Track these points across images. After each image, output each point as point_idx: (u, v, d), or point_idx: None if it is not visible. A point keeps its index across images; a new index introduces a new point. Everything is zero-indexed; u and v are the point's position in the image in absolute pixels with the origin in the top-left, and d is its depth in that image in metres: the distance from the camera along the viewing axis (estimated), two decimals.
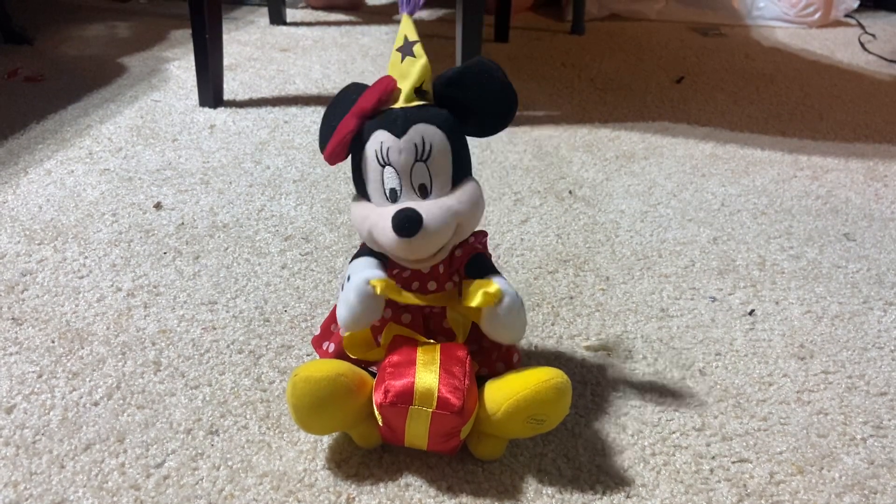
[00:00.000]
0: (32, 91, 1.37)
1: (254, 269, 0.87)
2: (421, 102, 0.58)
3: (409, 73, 0.58)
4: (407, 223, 0.55)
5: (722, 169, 1.19)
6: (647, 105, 1.46)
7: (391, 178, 0.57)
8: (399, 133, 0.57)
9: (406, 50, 0.59)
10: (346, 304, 0.58)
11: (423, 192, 0.57)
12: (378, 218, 0.57)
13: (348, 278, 0.58)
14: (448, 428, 0.56)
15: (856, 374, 0.74)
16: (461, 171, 0.59)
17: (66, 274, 0.84)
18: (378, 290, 0.56)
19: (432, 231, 0.55)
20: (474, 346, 0.62)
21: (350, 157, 0.60)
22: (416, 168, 0.57)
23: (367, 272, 0.58)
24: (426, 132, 0.57)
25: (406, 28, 0.59)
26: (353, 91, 0.61)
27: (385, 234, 0.56)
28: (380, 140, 0.57)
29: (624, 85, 1.57)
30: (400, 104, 0.58)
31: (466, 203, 0.58)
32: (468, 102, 0.59)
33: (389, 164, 0.57)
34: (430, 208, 0.56)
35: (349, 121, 0.58)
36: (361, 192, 0.60)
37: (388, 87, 0.58)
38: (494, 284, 0.58)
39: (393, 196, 0.58)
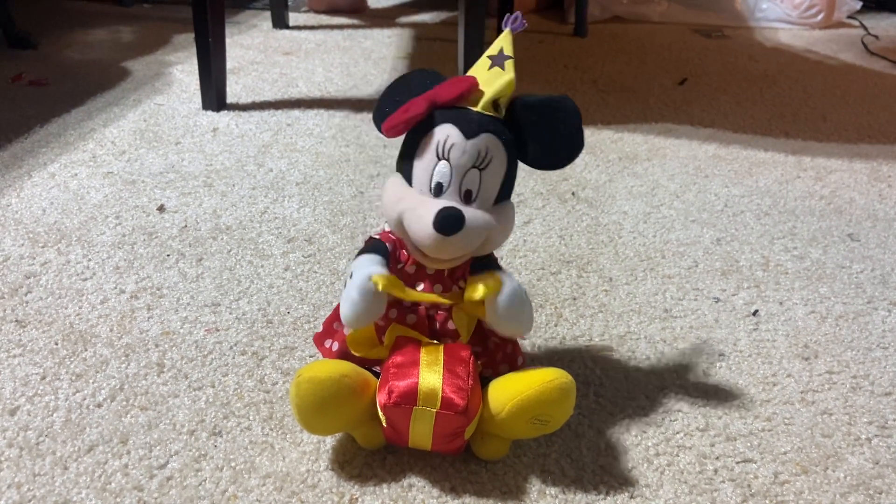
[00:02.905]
0: (36, 95, 1.38)
1: (257, 272, 0.87)
2: (493, 114, 0.58)
3: (494, 82, 0.58)
4: (451, 222, 0.54)
5: (725, 170, 1.19)
6: (650, 107, 1.46)
7: (442, 174, 0.57)
8: (469, 135, 0.56)
9: (498, 61, 0.58)
10: (348, 300, 0.57)
11: (467, 198, 0.57)
12: (417, 205, 0.56)
13: (351, 275, 0.58)
14: (452, 428, 0.56)
15: (860, 375, 0.74)
16: (505, 192, 0.59)
17: (70, 276, 0.84)
18: (380, 287, 0.56)
19: (468, 236, 0.55)
20: (478, 347, 0.62)
21: (406, 135, 0.60)
22: (470, 173, 0.57)
23: (370, 269, 0.57)
24: (491, 144, 0.57)
25: (504, 42, 0.59)
26: (427, 76, 0.61)
27: (421, 224, 0.55)
28: (447, 133, 0.57)
29: (627, 87, 1.57)
30: (477, 108, 0.58)
31: (502, 221, 0.58)
32: (536, 132, 0.59)
33: (447, 160, 0.57)
34: (471, 215, 0.56)
35: (420, 103, 0.58)
36: (405, 174, 0.59)
37: (472, 87, 0.58)
38: (495, 275, 0.58)
39: (437, 191, 0.57)
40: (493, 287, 0.57)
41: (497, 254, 0.63)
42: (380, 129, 0.60)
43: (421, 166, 0.58)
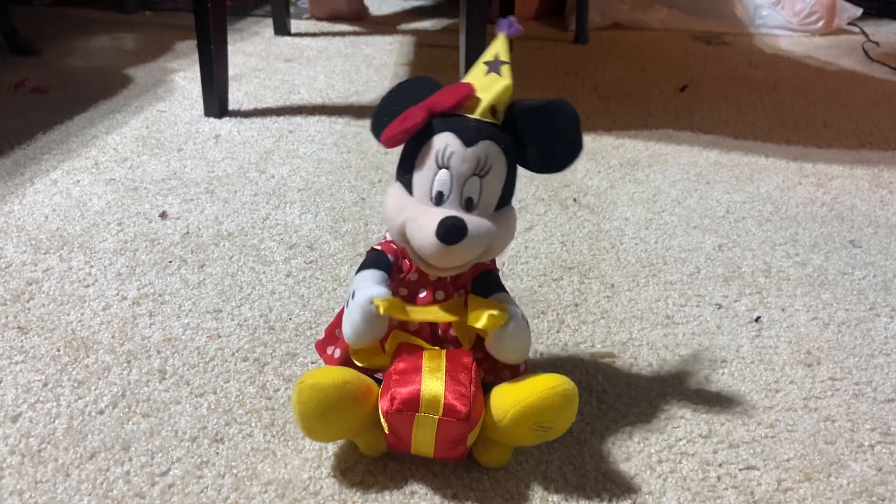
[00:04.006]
0: (39, 102, 1.38)
1: (259, 278, 0.87)
2: (491, 120, 0.58)
3: (491, 88, 0.57)
4: (453, 231, 0.54)
5: (726, 176, 1.19)
6: (651, 113, 1.46)
7: (443, 182, 0.57)
8: (469, 142, 0.56)
9: (494, 67, 0.58)
10: (350, 322, 0.58)
11: (468, 206, 0.57)
12: (418, 215, 0.56)
13: (353, 294, 0.58)
14: (454, 435, 0.56)
15: (863, 381, 0.74)
16: (506, 198, 0.59)
17: (72, 283, 0.84)
18: (381, 311, 0.56)
19: (470, 244, 0.55)
20: (480, 353, 0.62)
21: (404, 145, 0.60)
22: (471, 181, 0.57)
23: (372, 290, 0.57)
24: (491, 151, 0.57)
25: (500, 47, 0.59)
26: (425, 84, 0.60)
27: (423, 234, 0.55)
28: (446, 142, 0.56)
29: (627, 93, 1.58)
30: (475, 115, 0.58)
31: (504, 228, 0.58)
32: (535, 136, 0.59)
33: (447, 168, 0.56)
34: (473, 223, 0.56)
35: (418, 112, 0.57)
36: (405, 183, 0.59)
37: (469, 94, 0.58)
38: (500, 307, 0.58)
39: (438, 199, 0.57)
40: (497, 319, 0.57)
41: (499, 260, 0.63)
42: (378, 140, 0.60)
43: (421, 175, 0.58)
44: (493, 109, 0.58)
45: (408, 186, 0.59)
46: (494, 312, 0.57)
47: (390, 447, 0.61)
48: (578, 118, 0.59)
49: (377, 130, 0.61)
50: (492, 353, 0.60)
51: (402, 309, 0.59)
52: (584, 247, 0.97)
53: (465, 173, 0.56)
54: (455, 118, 0.57)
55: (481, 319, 0.57)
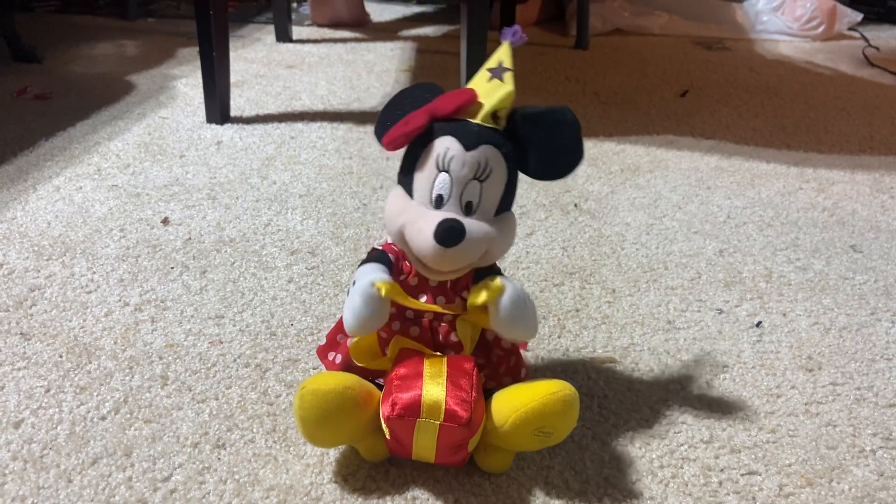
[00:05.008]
0: (41, 109, 1.39)
1: (260, 284, 0.87)
2: (493, 126, 0.58)
3: (493, 94, 0.58)
4: (451, 233, 0.55)
5: (727, 181, 1.19)
6: (652, 118, 1.47)
7: (443, 185, 0.57)
8: (469, 146, 0.56)
9: (497, 73, 0.59)
10: (351, 307, 0.58)
11: (468, 210, 0.57)
12: (418, 218, 0.57)
13: (354, 283, 0.58)
14: (456, 440, 0.56)
15: (864, 386, 0.74)
16: (506, 203, 0.59)
17: (75, 289, 0.84)
18: (383, 292, 0.56)
19: (469, 248, 0.56)
20: (482, 359, 0.62)
21: (406, 148, 0.60)
22: (471, 185, 0.57)
23: (373, 275, 0.58)
24: (492, 155, 0.57)
25: (504, 54, 0.59)
26: (427, 89, 0.61)
27: (422, 236, 0.56)
28: (446, 146, 0.57)
29: (628, 99, 1.58)
30: (476, 120, 0.58)
31: (503, 233, 0.58)
32: (536, 143, 0.59)
33: (447, 172, 0.57)
34: (472, 226, 0.56)
35: (420, 116, 0.58)
36: (406, 186, 0.60)
37: (471, 99, 0.58)
38: (496, 279, 0.58)
39: (438, 202, 0.57)
40: (494, 291, 0.57)
41: (500, 265, 0.63)
42: (381, 143, 0.60)
43: (422, 178, 0.58)
44: (494, 115, 0.58)
45: (409, 189, 0.59)
46: (490, 285, 0.57)
47: (392, 452, 0.61)
48: (579, 126, 0.59)
49: (380, 133, 0.61)
50: (497, 331, 0.60)
51: (403, 294, 0.59)
52: (585, 252, 0.97)
53: (464, 177, 0.57)
54: (456, 122, 0.58)
55: (480, 295, 0.57)
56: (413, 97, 0.61)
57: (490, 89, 0.58)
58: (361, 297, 0.57)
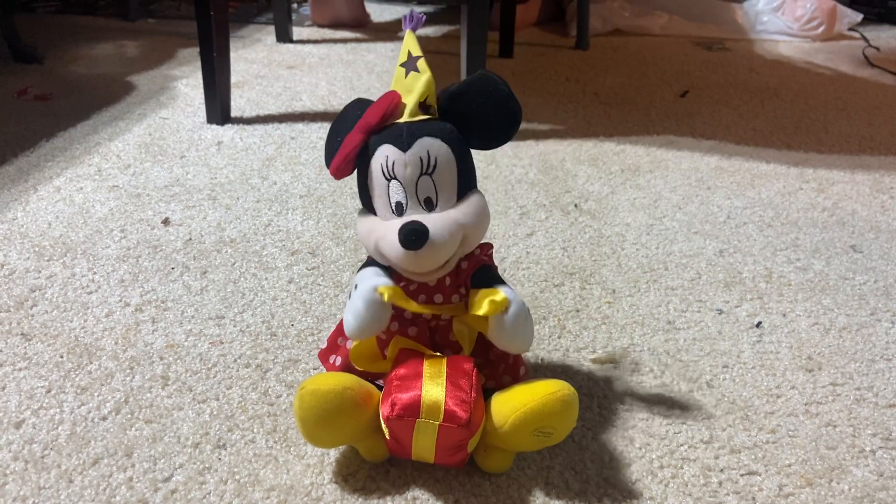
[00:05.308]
0: (42, 109, 1.39)
1: (261, 284, 0.87)
2: (426, 117, 0.59)
3: (414, 87, 0.59)
4: (413, 236, 0.55)
5: (727, 182, 1.19)
6: (652, 119, 1.47)
7: (397, 192, 0.58)
8: (404, 147, 0.57)
9: (410, 65, 0.59)
10: (353, 311, 0.58)
11: (429, 205, 0.58)
12: (385, 231, 0.57)
13: (355, 287, 0.58)
14: (455, 441, 0.56)
15: (864, 386, 0.74)
16: (466, 184, 0.59)
17: (75, 289, 0.84)
18: (385, 297, 0.57)
19: (438, 244, 0.56)
20: (481, 358, 0.62)
21: (356, 171, 0.61)
22: (422, 181, 0.57)
23: (375, 280, 0.58)
24: (431, 146, 0.57)
25: (409, 44, 0.60)
26: (358, 106, 0.62)
27: (392, 247, 0.56)
28: (385, 154, 0.58)
29: (628, 99, 1.58)
30: (405, 119, 0.59)
31: (472, 215, 0.58)
32: (472, 116, 0.59)
33: (395, 178, 0.58)
34: (435, 221, 0.56)
35: (355, 136, 0.59)
36: (367, 207, 0.61)
37: (392, 102, 0.59)
38: (500, 293, 0.58)
39: (399, 209, 0.58)
40: (499, 305, 0.57)
41: (500, 266, 0.63)
42: (332, 174, 0.61)
43: (377, 193, 0.59)
44: (424, 105, 0.59)
45: (371, 209, 0.60)
46: (496, 298, 0.57)
47: (391, 453, 0.61)
48: (505, 82, 0.60)
49: (328, 164, 0.62)
50: (494, 342, 0.60)
51: (405, 298, 0.59)
52: (585, 252, 0.97)
53: (412, 177, 0.57)
54: (388, 129, 0.58)
55: (482, 306, 0.57)
56: (347, 119, 0.62)
57: (409, 83, 0.59)
58: (364, 302, 0.57)
